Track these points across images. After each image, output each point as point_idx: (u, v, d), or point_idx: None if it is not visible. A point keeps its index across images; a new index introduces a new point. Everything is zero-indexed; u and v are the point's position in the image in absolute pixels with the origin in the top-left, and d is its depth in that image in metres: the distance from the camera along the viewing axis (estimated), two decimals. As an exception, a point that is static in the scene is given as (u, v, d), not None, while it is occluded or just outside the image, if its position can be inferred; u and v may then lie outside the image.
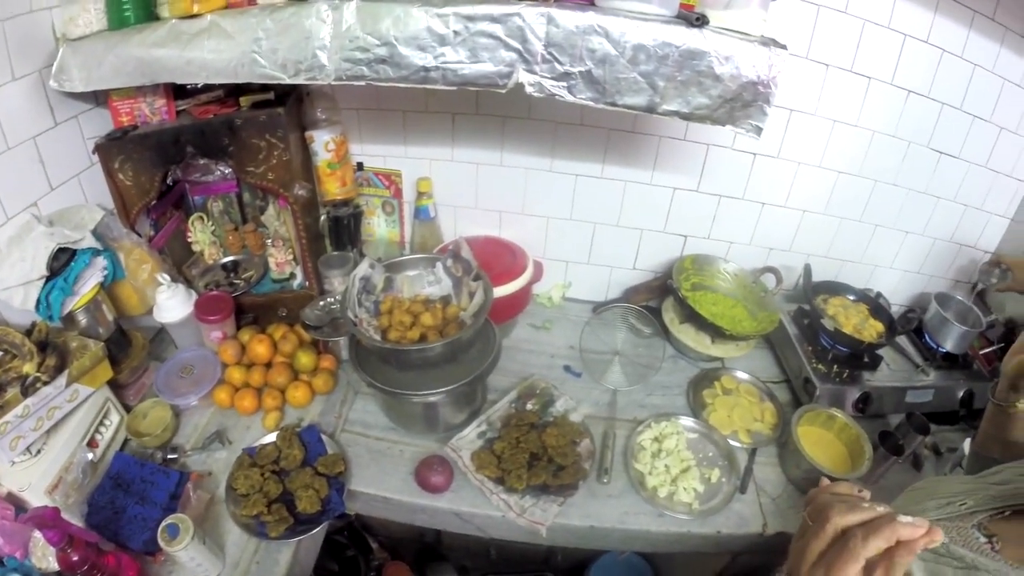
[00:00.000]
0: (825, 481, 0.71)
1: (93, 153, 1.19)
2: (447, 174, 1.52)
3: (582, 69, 0.92)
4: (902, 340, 1.50)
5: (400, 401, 1.20)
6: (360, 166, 1.52)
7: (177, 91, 1.24)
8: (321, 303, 1.30)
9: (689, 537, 1.14)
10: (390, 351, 1.15)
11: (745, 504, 1.17)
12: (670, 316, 1.49)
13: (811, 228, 1.56)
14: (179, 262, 1.45)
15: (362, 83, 0.98)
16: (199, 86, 1.24)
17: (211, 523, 1.07)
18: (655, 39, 0.89)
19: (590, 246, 1.59)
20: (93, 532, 0.95)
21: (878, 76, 1.31)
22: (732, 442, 1.28)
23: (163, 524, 0.91)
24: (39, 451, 0.99)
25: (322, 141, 1.36)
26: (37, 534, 0.91)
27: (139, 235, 1.28)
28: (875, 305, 1.51)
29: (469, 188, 1.54)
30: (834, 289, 1.55)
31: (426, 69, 0.95)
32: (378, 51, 0.95)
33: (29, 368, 0.96)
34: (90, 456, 1.06)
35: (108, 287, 1.20)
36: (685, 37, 0.89)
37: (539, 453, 1.18)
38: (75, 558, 0.82)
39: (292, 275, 1.47)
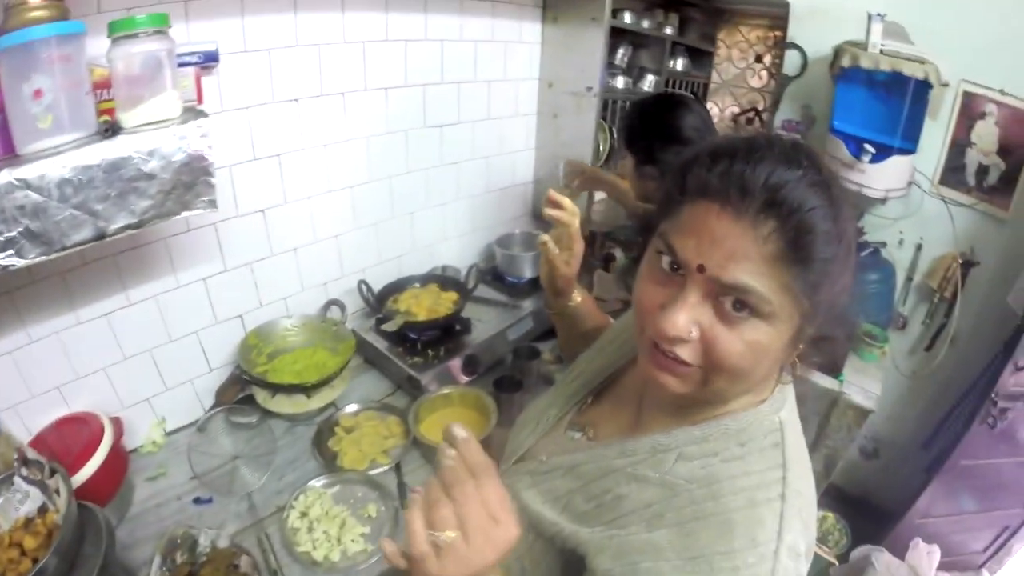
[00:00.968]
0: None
1: None
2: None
3: (20, 229, 0.85)
4: (486, 291, 1.71)
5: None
6: None
7: None
8: None
9: (394, 571, 1.18)
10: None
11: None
12: (263, 396, 1.49)
13: (352, 246, 1.68)
14: None
15: None
16: None
17: None
18: (73, 168, 0.88)
19: (157, 372, 1.47)
20: None
21: (350, 88, 1.46)
22: (373, 471, 1.36)
23: None
24: None
25: None
26: None
27: None
28: (442, 280, 1.72)
29: (14, 382, 1.25)
30: (400, 286, 1.72)
31: None
32: None
33: None
34: None
35: None
36: (101, 152, 0.90)
37: (206, 599, 1.08)
38: None
39: None
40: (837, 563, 2.25)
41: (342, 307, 1.62)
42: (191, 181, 0.98)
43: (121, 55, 0.93)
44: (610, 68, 2.14)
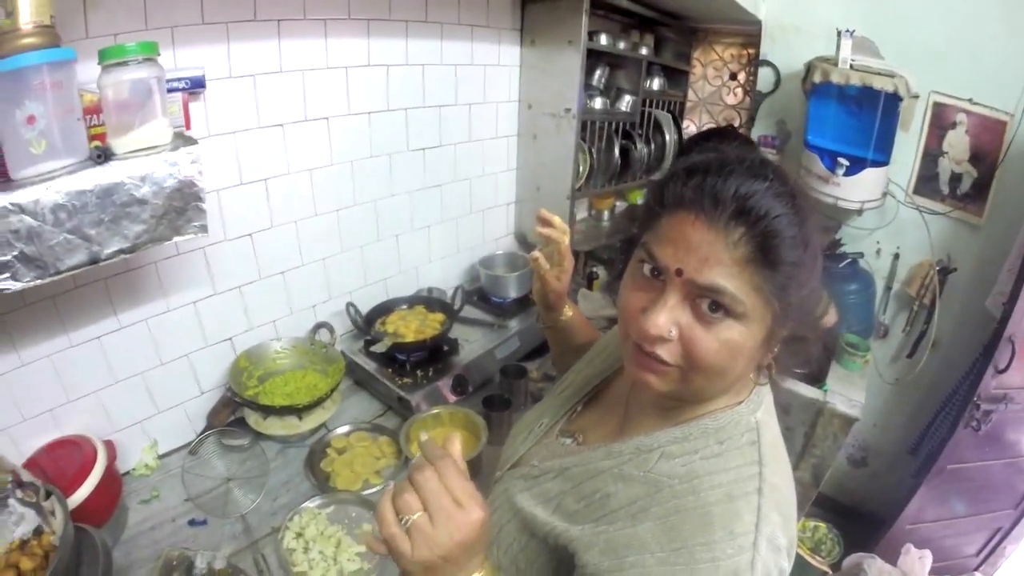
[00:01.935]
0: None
1: None
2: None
3: (15, 253, 0.87)
4: (472, 312, 1.72)
5: None
6: None
7: None
8: None
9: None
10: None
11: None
12: (255, 418, 1.50)
13: (338, 269, 1.70)
14: None
15: None
16: None
17: None
18: (67, 193, 0.90)
19: (149, 395, 1.47)
20: None
21: (334, 113, 1.49)
22: (366, 491, 1.36)
23: None
24: None
25: None
26: None
27: None
28: (428, 301, 1.74)
29: (6, 405, 1.26)
30: (387, 308, 1.74)
31: None
32: None
33: None
34: None
35: None
36: (95, 178, 0.92)
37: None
38: None
39: None
40: (831, 572, 2.26)
41: (331, 329, 1.64)
42: (182, 206, 1.01)
43: (111, 82, 0.95)
44: (588, 89, 2.19)
